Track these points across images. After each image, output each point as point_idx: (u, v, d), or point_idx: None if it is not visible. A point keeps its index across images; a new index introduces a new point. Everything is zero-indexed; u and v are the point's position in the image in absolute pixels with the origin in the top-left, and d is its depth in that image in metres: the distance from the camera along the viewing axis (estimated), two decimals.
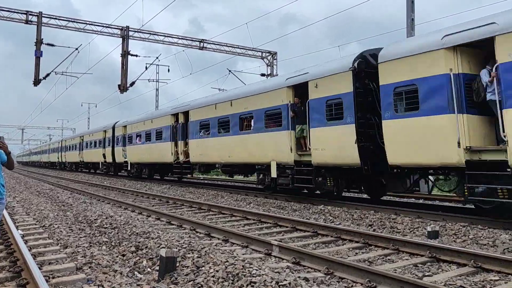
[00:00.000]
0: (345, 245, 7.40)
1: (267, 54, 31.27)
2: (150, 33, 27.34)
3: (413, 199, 14.62)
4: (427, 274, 5.49)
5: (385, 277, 4.87)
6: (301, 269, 5.80)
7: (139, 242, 6.99)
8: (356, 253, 6.78)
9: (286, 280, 4.56)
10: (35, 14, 23.54)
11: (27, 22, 23.43)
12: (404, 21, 15.39)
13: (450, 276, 5.35)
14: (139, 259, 6.16)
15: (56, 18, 24.54)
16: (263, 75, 30.96)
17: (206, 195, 16.30)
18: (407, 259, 6.29)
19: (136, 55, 26.63)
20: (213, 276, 4.94)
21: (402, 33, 16.06)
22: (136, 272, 5.61)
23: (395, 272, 5.31)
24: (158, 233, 7.61)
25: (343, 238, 7.73)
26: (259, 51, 30.94)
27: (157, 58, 31.49)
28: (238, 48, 30.10)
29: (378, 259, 6.37)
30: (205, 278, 4.92)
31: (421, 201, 14.07)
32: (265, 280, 4.60)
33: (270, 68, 31.15)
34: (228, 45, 29.65)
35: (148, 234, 7.54)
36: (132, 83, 26.65)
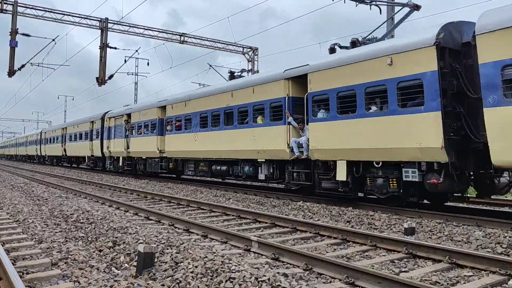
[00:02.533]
0: (323, 241, 7.46)
1: (248, 50, 31.18)
2: (130, 26, 26.90)
3: None
4: (403, 270, 5.58)
5: (363, 273, 4.92)
6: (280, 265, 5.82)
7: (117, 237, 6.90)
8: (335, 249, 6.84)
9: (265, 276, 4.57)
10: (10, 3, 22.87)
11: (1, 11, 22.73)
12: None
13: (426, 272, 5.45)
14: (117, 255, 6.07)
15: (32, 8, 23.89)
16: (244, 70, 30.88)
17: (185, 191, 16.20)
18: (384, 255, 6.38)
19: (115, 48, 26.20)
20: (192, 272, 4.91)
21: (383, 32, 16.21)
22: (113, 268, 5.53)
23: (373, 268, 5.37)
24: (136, 228, 7.52)
25: (322, 234, 7.79)
26: (240, 46, 30.82)
27: (136, 51, 31.10)
28: (219, 43, 29.92)
29: (356, 255, 6.45)
30: (183, 274, 4.89)
31: None
32: (244, 276, 4.60)
33: (251, 64, 31.09)
34: (209, 39, 29.42)
35: (125, 229, 7.45)
36: (111, 76, 26.19)
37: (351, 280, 4.93)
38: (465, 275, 5.34)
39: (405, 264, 5.91)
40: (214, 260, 5.17)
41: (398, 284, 4.53)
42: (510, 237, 7.19)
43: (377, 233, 7.45)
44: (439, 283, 5.02)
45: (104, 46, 24.44)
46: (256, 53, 31.28)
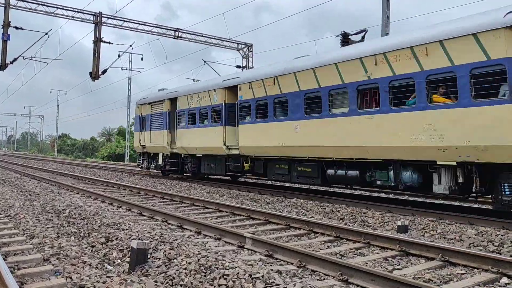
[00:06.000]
0: (317, 238, 7.46)
1: (243, 46, 31.11)
2: (124, 20, 26.74)
3: (383, 193, 14.88)
4: (397, 267, 5.60)
5: (357, 270, 4.93)
6: (274, 261, 5.81)
7: (109, 233, 6.85)
8: (328, 246, 6.85)
9: (259, 273, 4.55)
10: None
11: None
12: (380, 17, 15.58)
13: (419, 269, 5.47)
14: (109, 251, 6.03)
15: (25, 1, 23.65)
16: (238, 67, 30.83)
17: (178, 187, 16.15)
18: (377, 253, 6.40)
19: (109, 42, 26.00)
20: (185, 269, 4.89)
21: (377, 30, 16.27)
22: (106, 264, 5.50)
23: (366, 266, 5.38)
24: (129, 224, 7.48)
25: (315, 231, 7.80)
26: (235, 43, 30.75)
27: (130, 46, 30.80)
28: (214, 38, 29.83)
29: (350, 252, 6.46)
30: (177, 271, 4.86)
31: (391, 195, 14.35)
32: (238, 273, 4.58)
33: (246, 60, 31.03)
34: (203, 35, 29.32)
35: (118, 225, 7.40)
36: (104, 71, 26.01)
37: (344, 278, 4.93)
38: (457, 273, 5.36)
39: (398, 261, 5.93)
40: (207, 257, 5.15)
41: (391, 282, 4.54)
42: (502, 235, 7.24)
43: (370, 231, 7.47)
44: (432, 280, 5.04)
45: (98, 41, 24.25)
46: (251, 50, 31.23)
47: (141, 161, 22.61)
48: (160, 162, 20.42)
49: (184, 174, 19.77)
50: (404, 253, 6.27)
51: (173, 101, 19.29)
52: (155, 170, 22.04)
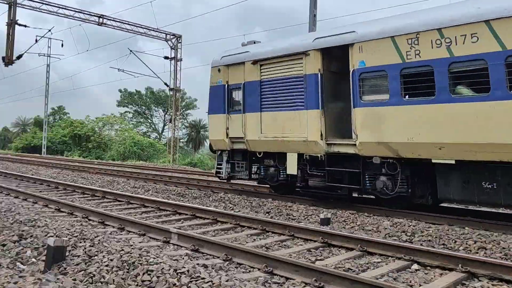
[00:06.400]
0: (243, 231, 7.53)
1: (172, 37, 30.46)
2: (43, 3, 24.97)
3: None
4: (319, 258, 5.82)
5: (281, 262, 5.05)
6: (200, 256, 5.78)
7: (23, 230, 6.37)
8: (254, 239, 6.94)
9: (185, 268, 4.50)
10: None
11: None
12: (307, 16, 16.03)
13: (340, 259, 5.73)
14: (23, 249, 5.61)
15: None
16: (166, 58, 30.15)
17: (101, 181, 15.47)
18: (301, 245, 6.60)
19: (25, 26, 24.18)
20: (107, 266, 4.69)
21: (305, 27, 16.72)
22: (18, 263, 5.11)
23: (291, 257, 5.52)
24: (45, 221, 7.03)
25: (242, 225, 7.86)
26: (163, 33, 30.01)
27: (49, 31, 28.90)
28: (141, 27, 28.88)
29: (275, 244, 6.60)
30: (98, 268, 4.65)
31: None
32: (163, 268, 4.49)
33: (174, 52, 30.42)
34: (130, 23, 28.28)
35: (34, 222, 6.93)
36: (19, 56, 24.16)
37: (269, 269, 5.03)
38: (374, 262, 5.70)
39: (320, 252, 6.16)
40: (131, 253, 4.99)
41: (314, 272, 4.71)
42: (414, 226, 7.81)
43: (295, 224, 7.68)
44: (352, 269, 5.30)
45: (12, 23, 22.42)
46: (180, 41, 30.69)
47: (224, 166, 12.79)
48: (292, 170, 10.86)
49: (364, 195, 10.54)
50: (326, 244, 6.53)
51: (333, 53, 10.25)
52: (245, 180, 13.17)
